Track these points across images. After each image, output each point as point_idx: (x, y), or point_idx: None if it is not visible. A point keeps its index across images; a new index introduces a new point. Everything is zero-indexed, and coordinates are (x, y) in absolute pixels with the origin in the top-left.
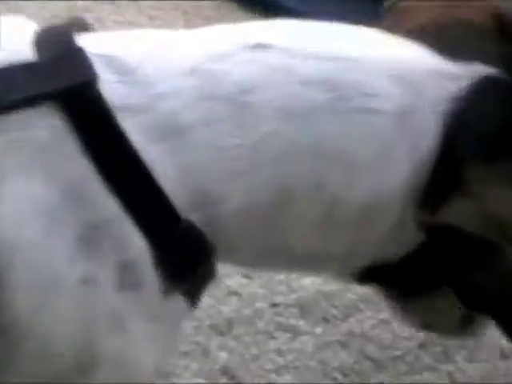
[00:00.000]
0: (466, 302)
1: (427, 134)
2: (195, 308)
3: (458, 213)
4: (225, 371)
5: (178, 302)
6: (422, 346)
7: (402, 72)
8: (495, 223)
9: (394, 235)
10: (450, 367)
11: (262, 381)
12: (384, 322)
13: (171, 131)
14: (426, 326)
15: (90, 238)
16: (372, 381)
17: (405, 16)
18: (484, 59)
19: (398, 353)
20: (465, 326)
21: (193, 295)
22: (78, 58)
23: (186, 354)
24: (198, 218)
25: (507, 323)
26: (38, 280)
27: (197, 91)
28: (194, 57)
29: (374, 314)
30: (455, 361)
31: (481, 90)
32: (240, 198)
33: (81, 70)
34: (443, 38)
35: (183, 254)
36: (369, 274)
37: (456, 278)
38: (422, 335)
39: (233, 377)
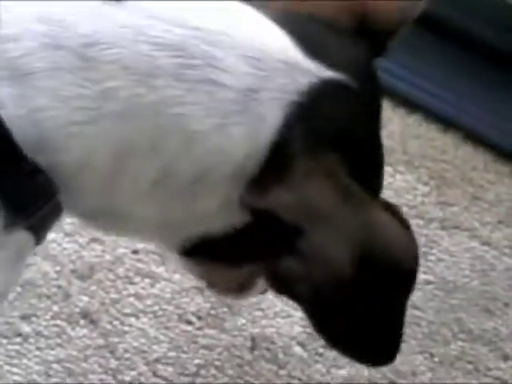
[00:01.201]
0: (276, 287)
1: (266, 120)
2: (40, 244)
3: (279, 200)
4: (85, 314)
5: (22, 235)
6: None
7: (257, 55)
8: (309, 210)
9: (220, 213)
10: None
11: (120, 324)
12: None
13: (18, 74)
14: (210, 285)
15: None
16: (226, 325)
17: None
18: (340, 57)
19: (253, 299)
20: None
21: (37, 231)
22: None
23: (47, 296)
24: (41, 160)
25: (310, 313)
26: None
27: (43, 38)
28: (47, 7)
29: None
30: None
31: (327, 91)
32: (79, 150)
33: None
34: (304, 29)
35: (26, 191)
36: (195, 248)
37: (268, 262)
38: None
39: (92, 320)
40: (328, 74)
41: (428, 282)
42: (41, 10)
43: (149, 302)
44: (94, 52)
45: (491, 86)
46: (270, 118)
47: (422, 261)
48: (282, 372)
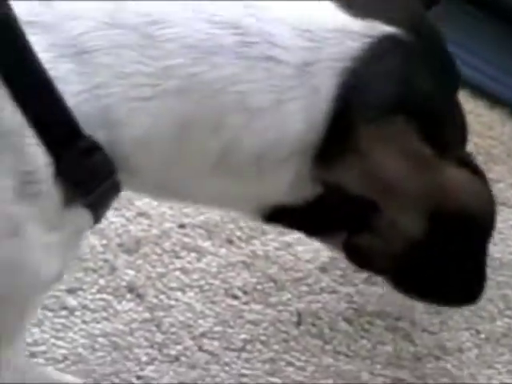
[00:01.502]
0: (356, 262)
1: (320, 92)
2: (99, 222)
3: (345, 173)
4: (131, 288)
5: (81, 214)
6: (322, 269)
7: (307, 26)
8: (378, 181)
9: (291, 186)
10: (349, 289)
11: (167, 298)
12: (287, 244)
13: (78, 51)
14: None
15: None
16: (272, 300)
17: None
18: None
19: (299, 275)
20: None
21: (96, 209)
22: None
23: (94, 270)
24: (101, 137)
25: (395, 280)
26: None
27: (105, 17)
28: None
29: (277, 237)
30: (354, 284)
31: (380, 51)
32: (140, 126)
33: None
34: None
35: (84, 169)
36: (272, 216)
37: (347, 237)
38: (323, 259)
39: (138, 294)
40: (380, 30)
41: None
42: None
43: (195, 277)
44: (155, 30)
45: None
46: (324, 89)
47: None
48: (327, 347)
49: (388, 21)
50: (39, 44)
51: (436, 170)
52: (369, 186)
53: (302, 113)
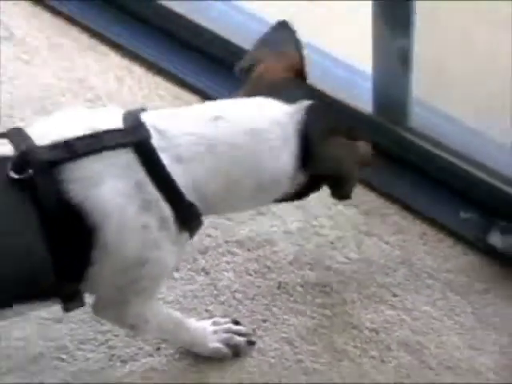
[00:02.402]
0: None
1: (293, 142)
2: (192, 239)
3: (318, 165)
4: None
5: (185, 236)
6: None
7: (278, 120)
8: (333, 169)
9: (291, 185)
10: None
11: None
12: None
13: (182, 160)
14: None
15: (148, 208)
16: None
17: (259, 79)
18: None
19: None
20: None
21: (192, 233)
22: (142, 126)
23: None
24: (195, 199)
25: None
26: (121, 223)
27: (193, 141)
28: (192, 123)
29: None
30: None
31: (312, 110)
32: (212, 188)
33: (143, 132)
34: (282, 90)
35: (187, 215)
36: (279, 200)
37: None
38: None
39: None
40: (305, 104)
41: None
42: (192, 128)
43: None
44: (216, 149)
45: None
46: (292, 144)
47: None
48: None
49: (307, 97)
50: (164, 158)
51: (346, 147)
52: (325, 167)
53: (289, 156)
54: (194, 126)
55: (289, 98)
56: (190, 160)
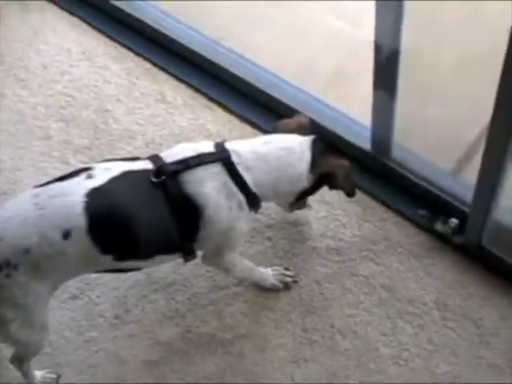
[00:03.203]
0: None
1: (308, 154)
2: (256, 214)
3: (323, 169)
4: None
5: (252, 213)
6: None
7: (299, 142)
8: (327, 173)
9: (307, 181)
10: None
11: None
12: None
13: (249, 169)
14: (295, 209)
15: (231, 197)
16: None
17: (285, 125)
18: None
19: None
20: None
21: (256, 211)
22: (225, 150)
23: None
24: (256, 191)
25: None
26: (216, 205)
27: (255, 157)
28: (252, 146)
29: None
30: None
31: (315, 140)
32: (265, 183)
33: (226, 153)
34: (297, 131)
35: (253, 200)
36: (296, 198)
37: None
38: None
39: None
40: (310, 138)
41: None
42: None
43: None
44: (266, 160)
45: None
46: (308, 154)
47: None
48: None
49: (309, 134)
50: (239, 169)
51: (335, 160)
52: (322, 168)
53: (304, 166)
54: (254, 148)
55: (301, 134)
56: (253, 168)
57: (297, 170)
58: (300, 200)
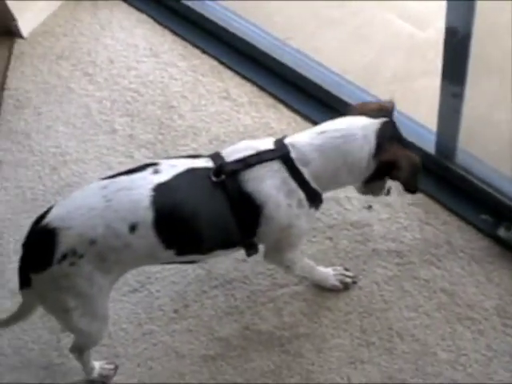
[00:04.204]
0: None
1: (372, 139)
2: (317, 211)
3: (387, 157)
4: None
5: (313, 210)
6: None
7: (363, 125)
8: (389, 162)
9: (367, 170)
10: None
11: None
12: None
13: (308, 164)
14: (370, 193)
15: (291, 195)
16: None
17: (362, 106)
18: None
19: None
20: (387, 193)
21: (317, 208)
22: (284, 146)
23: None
24: (316, 186)
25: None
26: (276, 203)
27: (312, 148)
28: (308, 137)
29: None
30: None
31: (385, 124)
32: (325, 176)
33: (284, 150)
34: (373, 114)
35: (313, 197)
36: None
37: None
38: None
39: None
40: (380, 120)
41: None
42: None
43: None
44: (323, 149)
45: None
46: (373, 138)
47: None
48: None
49: (379, 116)
50: (298, 164)
51: (402, 151)
52: (387, 156)
53: (367, 148)
54: (311, 139)
55: (374, 117)
56: (311, 162)
57: (356, 158)
58: (369, 185)
